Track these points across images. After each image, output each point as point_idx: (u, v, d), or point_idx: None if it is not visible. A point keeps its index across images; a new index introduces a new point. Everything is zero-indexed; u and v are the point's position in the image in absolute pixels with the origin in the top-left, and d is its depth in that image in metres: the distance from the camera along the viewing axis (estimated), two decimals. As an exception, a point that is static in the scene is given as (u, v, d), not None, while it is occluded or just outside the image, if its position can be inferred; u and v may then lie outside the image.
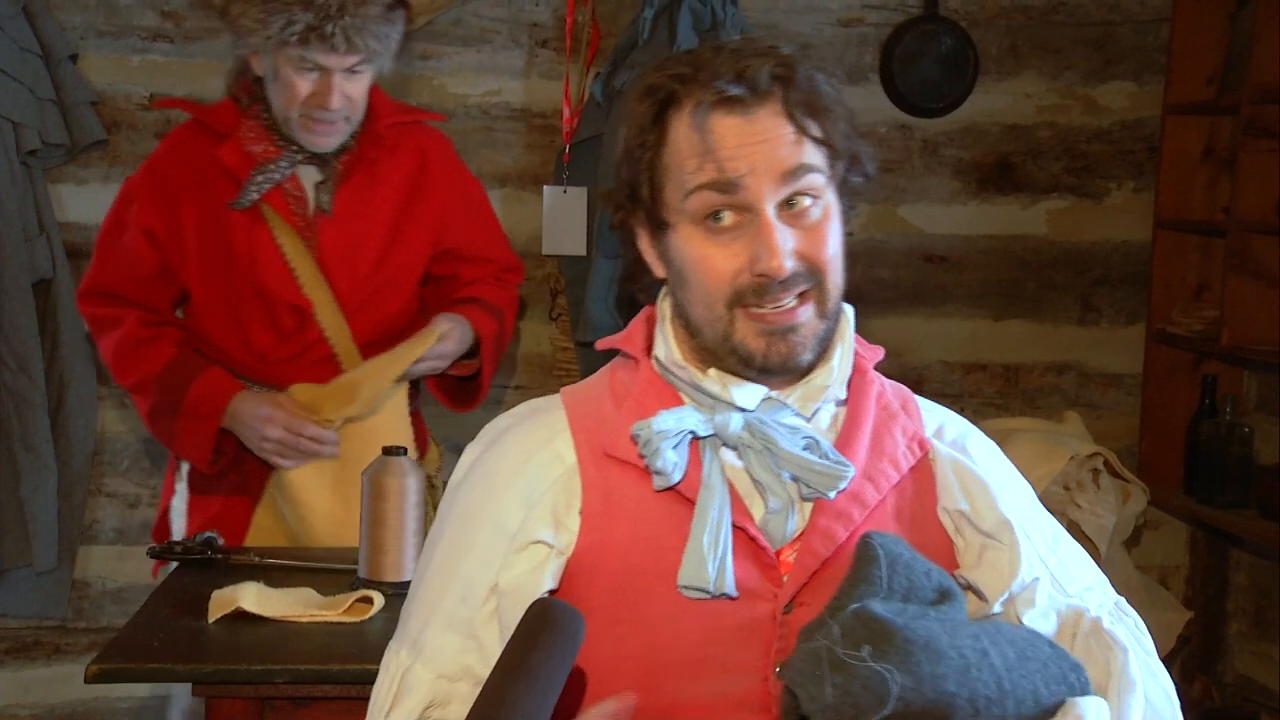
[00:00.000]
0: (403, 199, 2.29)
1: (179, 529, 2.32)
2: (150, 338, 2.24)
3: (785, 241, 1.17)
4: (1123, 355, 3.37)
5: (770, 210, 1.17)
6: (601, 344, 1.31)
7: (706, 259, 1.19)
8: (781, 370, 1.20)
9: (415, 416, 2.39)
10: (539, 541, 1.20)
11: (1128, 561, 3.06)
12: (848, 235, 1.25)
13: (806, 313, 1.19)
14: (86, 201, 3.12)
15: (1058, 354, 3.37)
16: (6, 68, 2.89)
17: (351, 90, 2.14)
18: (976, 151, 3.31)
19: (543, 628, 1.02)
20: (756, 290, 1.17)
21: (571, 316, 3.14)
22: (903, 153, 3.29)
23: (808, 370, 1.23)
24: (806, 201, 1.19)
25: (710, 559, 1.15)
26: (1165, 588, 3.28)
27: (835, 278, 1.21)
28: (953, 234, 3.32)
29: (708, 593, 1.16)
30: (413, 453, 2.29)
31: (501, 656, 1.01)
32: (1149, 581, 3.17)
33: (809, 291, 1.19)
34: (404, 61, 3.11)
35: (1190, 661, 3.28)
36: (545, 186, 3.14)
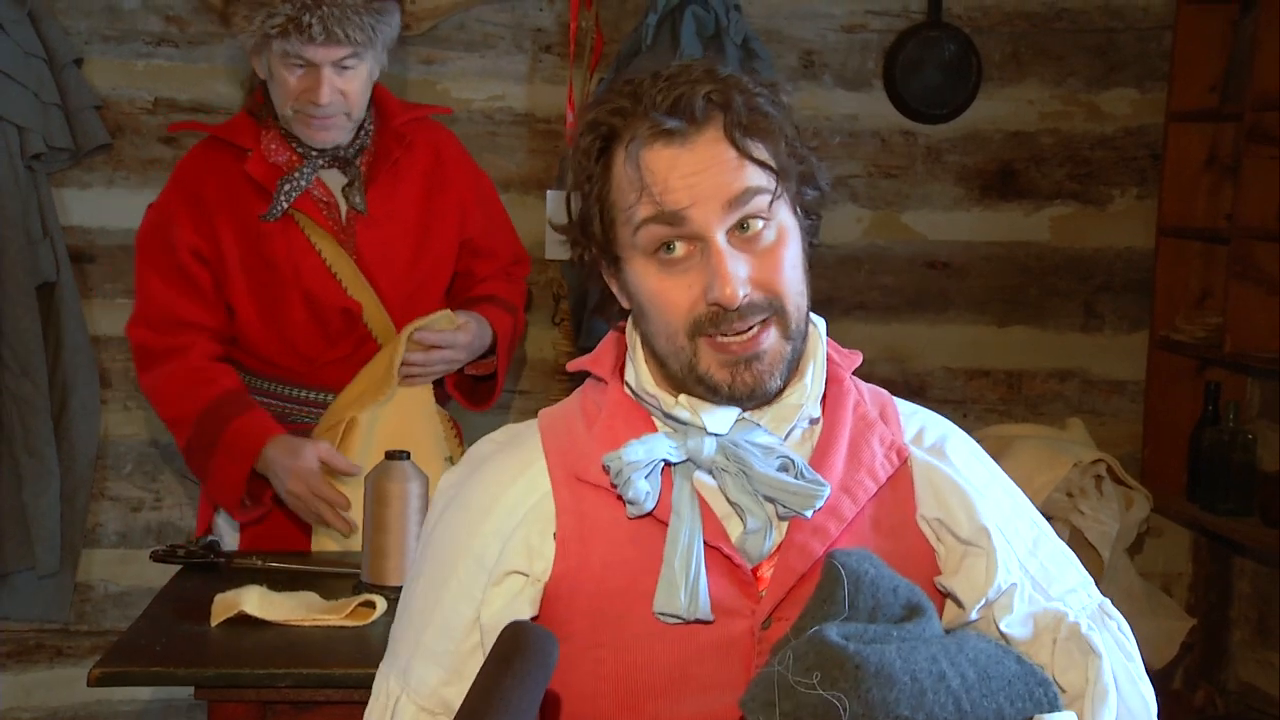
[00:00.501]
0: (426, 194, 2.31)
1: (230, 544, 2.30)
2: (200, 372, 2.20)
3: (738, 269, 1.15)
4: (1126, 362, 3.37)
5: (720, 238, 1.16)
6: (571, 366, 1.31)
7: (662, 292, 1.18)
8: (749, 398, 1.19)
9: (449, 418, 2.39)
10: (514, 572, 1.20)
11: (1130, 568, 3.05)
12: (811, 246, 1.24)
13: (769, 338, 1.18)
14: (90, 205, 3.13)
15: (1061, 360, 3.37)
16: (11, 72, 2.90)
17: (344, 85, 2.13)
18: (979, 158, 3.31)
19: (515, 651, 1.01)
20: (713, 319, 1.16)
21: (574, 321, 3.14)
22: (906, 159, 3.29)
23: (780, 390, 1.22)
24: (759, 224, 1.17)
25: (682, 586, 1.15)
26: (1168, 595, 3.28)
27: (795, 299, 1.19)
28: (956, 240, 3.32)
29: (682, 619, 1.16)
30: (445, 451, 2.28)
31: (475, 681, 1.02)
32: (1152, 588, 3.17)
33: (769, 318, 1.18)
34: (406, 64, 3.15)
35: (1193, 669, 3.28)
36: (548, 191, 3.14)
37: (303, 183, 2.20)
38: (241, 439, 2.14)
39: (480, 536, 1.21)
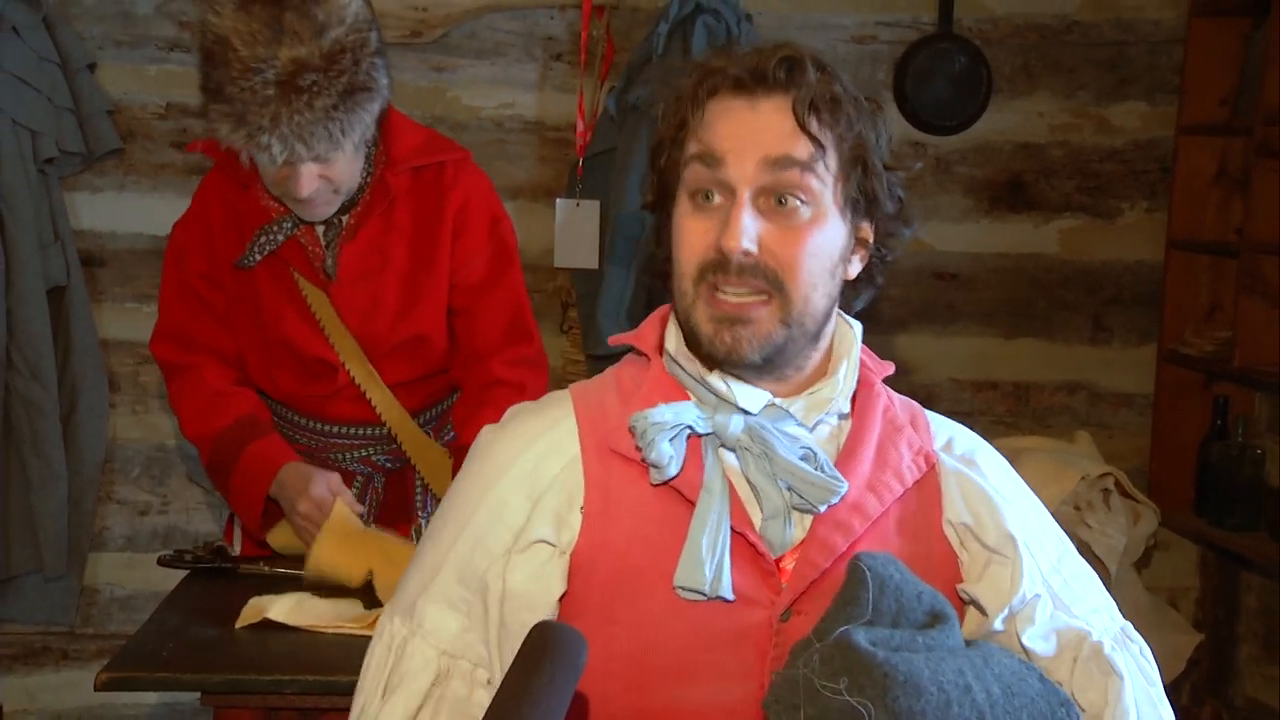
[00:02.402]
0: (419, 247, 2.17)
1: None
2: (220, 395, 2.18)
3: (751, 225, 1.17)
4: (1134, 375, 3.37)
5: (747, 194, 1.18)
6: (615, 340, 1.32)
7: (685, 230, 1.21)
8: (725, 361, 1.19)
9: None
10: (541, 541, 1.20)
11: (1137, 583, 3.04)
12: (871, 281, 1.26)
13: (761, 312, 1.18)
14: (101, 210, 3.14)
15: (1069, 373, 3.37)
16: (25, 76, 2.91)
17: (326, 171, 1.97)
18: (989, 170, 3.31)
19: (545, 655, 1.01)
20: (715, 266, 1.18)
21: (582, 329, 3.14)
22: (915, 170, 3.29)
23: (812, 381, 1.24)
24: (796, 203, 1.18)
25: (708, 561, 1.15)
26: (1175, 609, 3.27)
27: (804, 289, 1.19)
28: (964, 252, 3.32)
29: (703, 594, 1.15)
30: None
31: (503, 683, 1.02)
32: (1159, 603, 3.16)
33: (770, 297, 1.18)
34: (416, 71, 3.15)
35: (1200, 684, 3.26)
36: (558, 199, 3.15)
37: (280, 237, 2.10)
38: (256, 463, 2.12)
39: (499, 488, 1.22)
